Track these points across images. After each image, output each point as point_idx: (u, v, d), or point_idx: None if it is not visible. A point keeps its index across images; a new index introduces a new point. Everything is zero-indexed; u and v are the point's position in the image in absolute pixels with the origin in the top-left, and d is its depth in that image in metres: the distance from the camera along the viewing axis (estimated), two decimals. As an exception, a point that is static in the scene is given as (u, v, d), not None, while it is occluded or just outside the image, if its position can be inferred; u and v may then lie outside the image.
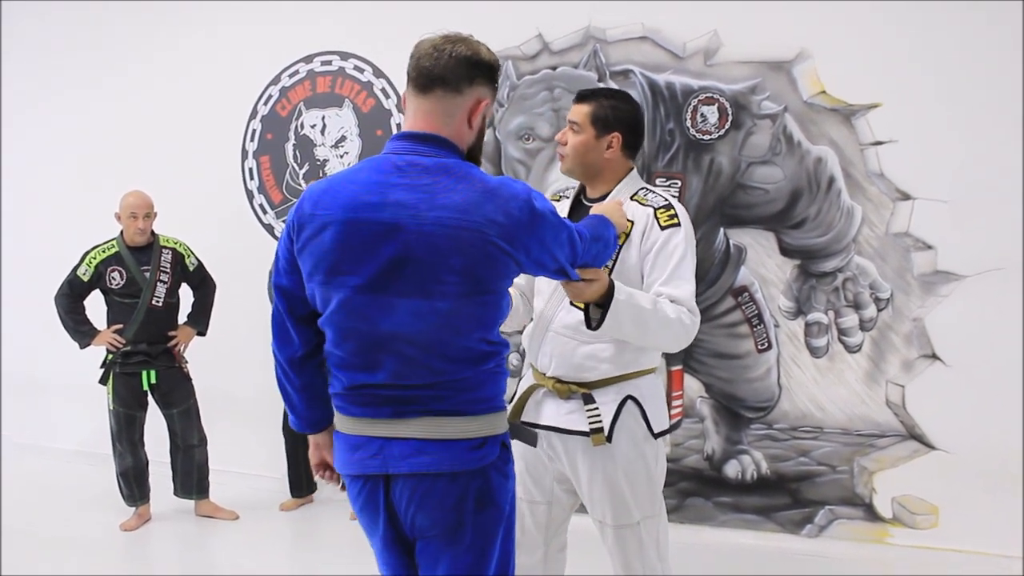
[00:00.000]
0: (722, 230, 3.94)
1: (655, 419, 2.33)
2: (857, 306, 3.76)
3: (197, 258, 4.41)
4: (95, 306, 4.29)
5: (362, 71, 4.74)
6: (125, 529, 4.25)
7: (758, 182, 3.88)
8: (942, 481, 3.65)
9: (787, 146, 3.83)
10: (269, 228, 4.98)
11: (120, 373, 4.20)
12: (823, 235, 3.80)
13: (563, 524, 2.55)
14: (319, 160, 4.86)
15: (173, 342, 4.30)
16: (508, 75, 4.27)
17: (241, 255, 4.81)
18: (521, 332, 2.56)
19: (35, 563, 3.81)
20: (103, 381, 4.24)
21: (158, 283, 4.22)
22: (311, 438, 2.02)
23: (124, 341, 4.19)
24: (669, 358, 3.96)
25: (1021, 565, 3.47)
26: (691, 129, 3.95)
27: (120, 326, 4.20)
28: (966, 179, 3.57)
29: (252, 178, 5.04)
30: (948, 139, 3.59)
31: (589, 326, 2.12)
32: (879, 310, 3.74)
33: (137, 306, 4.19)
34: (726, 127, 3.90)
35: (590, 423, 2.26)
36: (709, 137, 3.93)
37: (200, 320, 4.41)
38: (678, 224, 2.26)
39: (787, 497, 3.90)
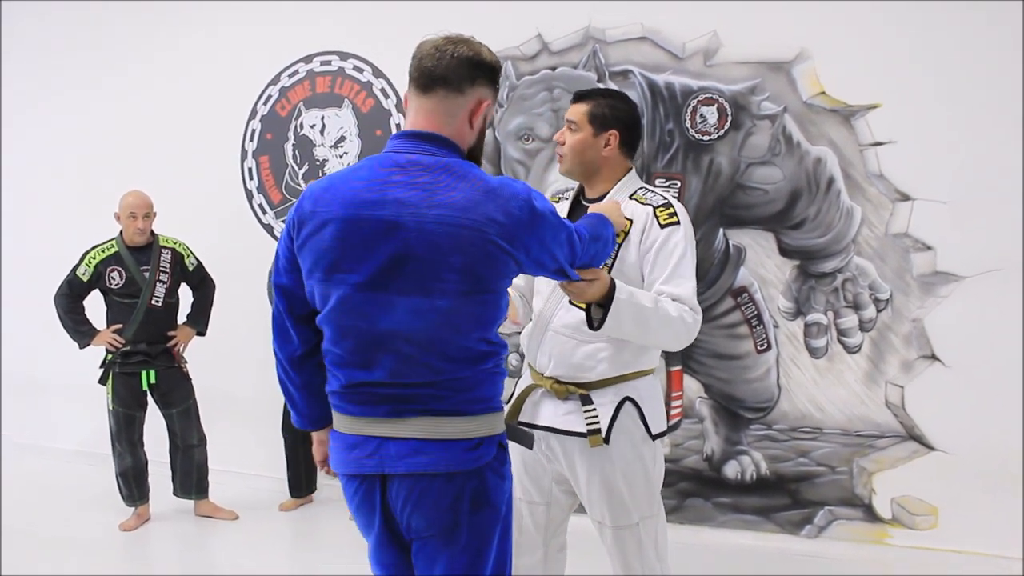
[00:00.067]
0: (721, 231, 3.94)
1: (653, 421, 2.33)
2: (856, 307, 3.76)
3: (197, 258, 4.41)
4: (95, 306, 4.29)
5: (361, 71, 4.74)
6: (124, 529, 4.25)
7: (757, 183, 3.88)
8: (941, 482, 3.65)
9: (786, 147, 3.83)
10: (268, 228, 4.98)
11: (119, 373, 4.21)
12: (822, 236, 3.80)
13: (562, 524, 2.55)
14: (318, 160, 4.86)
15: (173, 342, 4.30)
16: (508, 75, 4.26)
17: (240, 255, 4.81)
18: (520, 333, 2.56)
19: (35, 563, 3.81)
20: (103, 381, 4.24)
21: (157, 283, 4.22)
22: (314, 435, 2.03)
23: (123, 341, 4.19)
24: (668, 359, 3.96)
25: (1021, 566, 3.47)
26: (690, 130, 3.95)
27: (120, 326, 4.20)
28: (965, 180, 3.57)
29: (251, 178, 5.04)
30: (948, 140, 3.59)
31: (591, 326, 2.12)
32: (878, 311, 3.74)
33: (137, 306, 4.19)
34: (725, 128, 3.90)
35: (587, 424, 2.26)
36: (708, 138, 3.93)
37: (200, 320, 4.41)
38: (678, 222, 2.27)
39: (786, 498, 3.90)
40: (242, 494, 4.66)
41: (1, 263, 5.95)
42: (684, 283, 2.22)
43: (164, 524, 4.36)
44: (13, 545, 3.99)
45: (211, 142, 5.13)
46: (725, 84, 3.90)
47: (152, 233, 4.29)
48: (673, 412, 3.99)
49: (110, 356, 4.23)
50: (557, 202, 2.54)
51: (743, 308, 3.93)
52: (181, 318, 4.41)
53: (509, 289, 2.38)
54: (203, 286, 4.44)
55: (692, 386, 4.03)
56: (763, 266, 3.90)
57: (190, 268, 4.37)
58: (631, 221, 2.28)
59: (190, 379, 4.38)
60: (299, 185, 4.89)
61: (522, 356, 2.61)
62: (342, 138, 4.81)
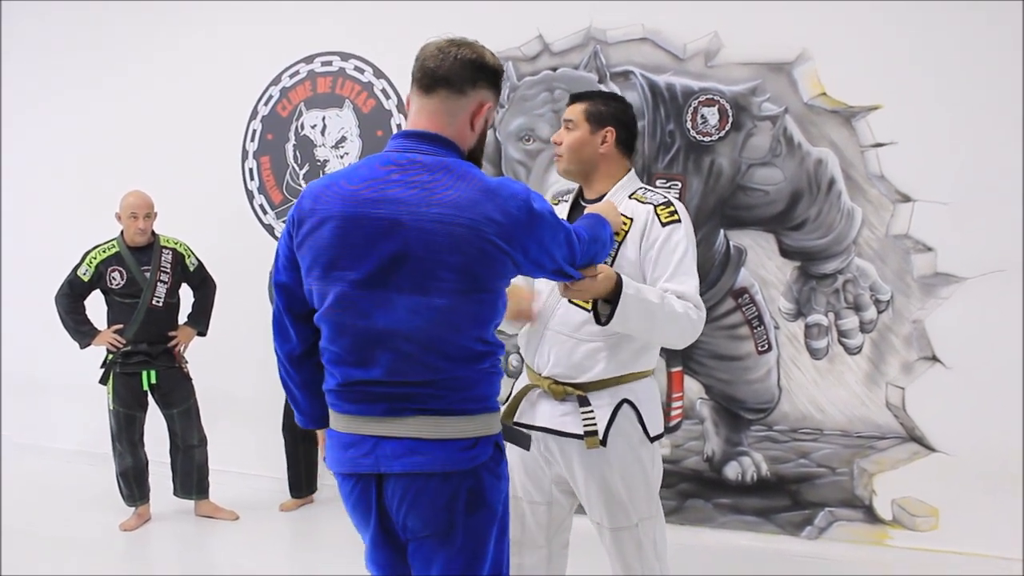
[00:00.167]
0: (722, 232, 3.94)
1: (651, 423, 2.33)
2: (857, 308, 3.76)
3: (197, 258, 4.41)
4: (95, 306, 4.29)
5: (363, 72, 4.73)
6: (125, 529, 4.25)
7: (758, 184, 3.88)
8: (942, 483, 3.65)
9: (787, 148, 3.83)
10: (269, 228, 4.98)
11: (120, 373, 4.20)
12: (823, 237, 3.80)
13: (564, 523, 2.55)
14: (319, 161, 4.86)
15: (173, 342, 4.30)
16: (509, 76, 4.26)
17: (241, 255, 4.81)
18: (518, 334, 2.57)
19: (35, 563, 3.81)
20: (103, 381, 4.24)
21: (158, 283, 4.22)
22: (319, 434, 2.03)
23: (124, 341, 4.19)
24: (669, 359, 3.97)
25: (1021, 567, 3.47)
26: (691, 131, 3.95)
27: (120, 326, 4.20)
28: (966, 181, 3.57)
29: (252, 178, 5.04)
30: (948, 141, 3.59)
31: (598, 321, 2.12)
32: (879, 312, 3.74)
33: (137, 306, 4.19)
34: (726, 129, 3.90)
35: (584, 426, 2.26)
36: (709, 139, 3.93)
37: (200, 320, 4.41)
38: (679, 220, 2.27)
39: (787, 499, 3.90)
40: (242, 494, 4.66)
41: (1, 263, 5.95)
42: (687, 280, 2.23)
43: (164, 524, 4.36)
44: (13, 545, 3.98)
45: (211, 142, 5.13)
46: (726, 85, 3.90)
47: (153, 233, 4.28)
48: (674, 413, 4.01)
49: (111, 356, 4.23)
50: (556, 204, 2.54)
51: (744, 309, 3.93)
52: (182, 318, 4.41)
53: (518, 281, 2.39)
54: (204, 286, 4.44)
55: (693, 387, 4.03)
56: (764, 267, 3.90)
57: (191, 268, 4.37)
58: (631, 220, 2.28)
59: (191, 379, 4.37)
60: (300, 185, 4.89)
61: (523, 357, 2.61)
62: (343, 139, 4.81)
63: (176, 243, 4.35)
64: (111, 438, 4.28)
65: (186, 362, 4.38)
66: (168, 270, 4.26)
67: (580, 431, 2.27)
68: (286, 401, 3.93)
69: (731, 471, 3.98)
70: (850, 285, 3.77)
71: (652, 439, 2.33)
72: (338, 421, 1.83)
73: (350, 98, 4.77)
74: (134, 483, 4.29)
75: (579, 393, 2.29)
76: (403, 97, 4.51)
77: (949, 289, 3.62)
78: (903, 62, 3.64)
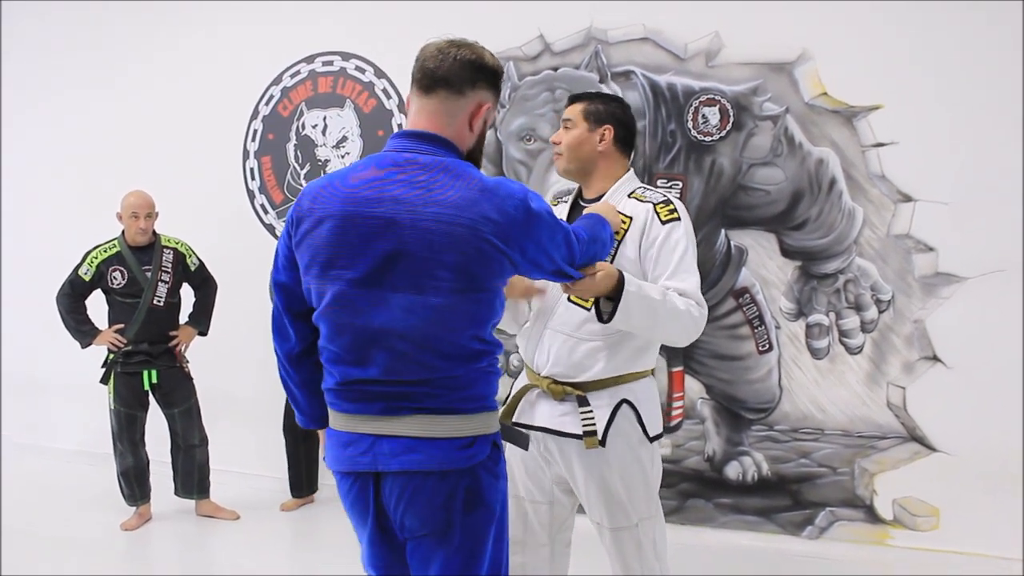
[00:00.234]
0: (723, 231, 3.94)
1: (650, 423, 2.33)
2: (858, 308, 3.77)
3: (199, 258, 4.41)
4: (96, 306, 4.29)
5: (363, 71, 4.73)
6: (126, 529, 4.25)
7: (759, 183, 3.88)
8: (943, 483, 3.66)
9: (788, 147, 3.83)
10: (270, 228, 4.98)
11: (121, 373, 4.20)
12: (824, 237, 3.80)
13: (567, 521, 2.55)
14: (320, 160, 4.86)
15: (174, 342, 4.30)
16: (509, 76, 4.27)
17: (241, 255, 4.81)
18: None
19: (35, 563, 3.80)
20: (104, 381, 4.24)
21: (159, 283, 4.22)
22: (320, 434, 2.03)
23: (125, 341, 4.19)
24: (670, 359, 3.97)
25: (1021, 567, 3.47)
26: (692, 130, 3.95)
27: (121, 326, 4.20)
28: (967, 181, 3.57)
29: (253, 178, 5.04)
30: (949, 141, 3.59)
31: (600, 319, 2.12)
32: (880, 312, 3.74)
33: (138, 306, 4.19)
34: (727, 128, 3.90)
35: (583, 426, 2.26)
36: (710, 138, 3.93)
37: (201, 320, 4.41)
38: (678, 218, 2.28)
39: (788, 499, 3.90)
40: (243, 494, 4.66)
41: (1, 263, 5.95)
42: (688, 278, 2.23)
43: (165, 524, 4.35)
44: (13, 545, 3.98)
45: (211, 142, 5.13)
46: (727, 85, 3.90)
47: (154, 233, 4.29)
48: (675, 413, 4.01)
49: (112, 356, 4.23)
50: (556, 204, 2.55)
51: (745, 309, 3.93)
52: (183, 318, 4.41)
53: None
54: (205, 286, 4.44)
55: (693, 387, 4.03)
56: (765, 267, 3.91)
57: (192, 268, 4.37)
58: (630, 219, 2.29)
59: (192, 379, 4.37)
60: (301, 185, 4.89)
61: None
62: (344, 138, 4.81)
63: (177, 243, 4.35)
64: (112, 438, 4.28)
65: (187, 362, 4.37)
66: (169, 270, 4.26)
67: (579, 431, 2.27)
68: (287, 401, 3.92)
69: (732, 471, 3.98)
70: (851, 285, 3.77)
71: (651, 439, 2.33)
72: (337, 420, 1.83)
73: (351, 98, 4.77)
74: (135, 483, 4.29)
75: (578, 393, 2.29)
76: (404, 97, 4.51)
77: (950, 289, 3.62)
78: (903, 62, 3.64)
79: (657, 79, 4.01)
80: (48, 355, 5.59)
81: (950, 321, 3.63)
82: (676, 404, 4.02)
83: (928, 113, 3.62)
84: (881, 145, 3.69)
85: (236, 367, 4.85)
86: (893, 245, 3.70)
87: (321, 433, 2.02)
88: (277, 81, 4.96)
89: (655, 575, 2.36)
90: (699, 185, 3.95)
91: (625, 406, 2.29)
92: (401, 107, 4.65)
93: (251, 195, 5.05)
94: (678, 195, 3.93)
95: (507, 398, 2.45)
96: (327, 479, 4.57)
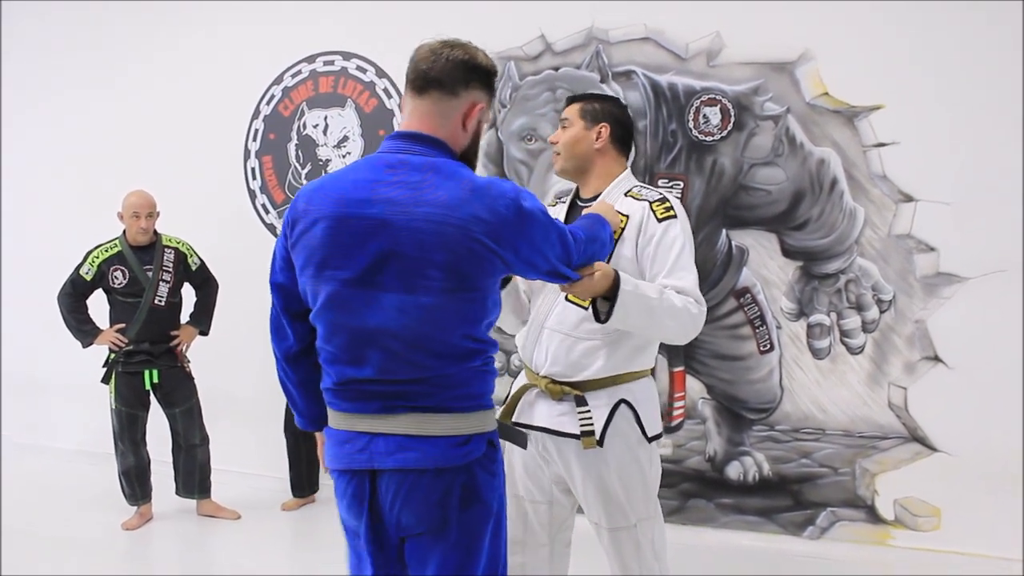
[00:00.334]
0: (724, 231, 3.94)
1: (649, 423, 2.32)
2: (859, 308, 3.77)
3: (200, 258, 4.41)
4: (98, 305, 4.28)
5: (365, 71, 4.73)
6: (127, 528, 4.25)
7: (760, 183, 3.88)
8: (944, 483, 3.65)
9: (789, 147, 3.83)
10: (271, 228, 4.98)
11: (122, 372, 4.20)
12: (825, 237, 3.80)
13: (566, 522, 2.55)
14: (321, 160, 4.85)
15: (175, 342, 4.30)
16: (510, 76, 4.27)
17: (241, 255, 4.80)
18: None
19: (35, 563, 3.80)
20: (105, 380, 4.24)
21: (160, 282, 4.22)
22: (318, 436, 2.05)
23: (126, 340, 4.19)
24: (671, 359, 3.97)
25: (1022, 567, 3.47)
26: (693, 130, 3.95)
27: (122, 325, 4.20)
28: (967, 181, 3.57)
29: (255, 178, 5.04)
30: (950, 141, 3.59)
31: (598, 319, 2.12)
32: (881, 312, 3.74)
33: (140, 305, 4.19)
34: (728, 128, 3.90)
35: (581, 426, 2.26)
36: (711, 138, 3.93)
37: (202, 320, 4.41)
38: (675, 216, 2.27)
39: (789, 499, 3.90)
40: (244, 494, 4.65)
41: (1, 263, 5.94)
42: (686, 275, 2.23)
43: (166, 523, 4.35)
44: (13, 545, 3.97)
45: (211, 142, 5.13)
46: (728, 85, 3.90)
47: (155, 233, 4.29)
48: (676, 413, 4.01)
49: (113, 355, 4.23)
50: (555, 204, 2.55)
51: (746, 309, 3.93)
52: (184, 318, 4.41)
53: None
54: (206, 286, 4.44)
55: (694, 387, 4.03)
56: (766, 267, 3.91)
57: (193, 268, 4.37)
58: (627, 217, 2.29)
59: (193, 379, 4.37)
60: (302, 185, 4.88)
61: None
62: (345, 138, 4.81)
63: (178, 242, 4.35)
64: (113, 437, 4.28)
65: (188, 361, 4.37)
66: (170, 269, 4.26)
67: (577, 431, 2.27)
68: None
69: (733, 471, 3.98)
70: (852, 285, 3.77)
71: (650, 439, 2.33)
72: (335, 418, 1.84)
73: (352, 97, 4.77)
74: (136, 482, 4.29)
75: (576, 393, 2.29)
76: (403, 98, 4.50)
77: (951, 289, 3.62)
78: (904, 62, 3.64)
79: (658, 79, 4.01)
80: (48, 355, 5.59)
81: (951, 321, 3.63)
82: (677, 404, 4.02)
83: (929, 113, 3.62)
84: (882, 145, 3.69)
85: (237, 367, 4.84)
86: (894, 245, 3.70)
87: (319, 434, 2.03)
88: (278, 81, 4.96)
89: (654, 575, 2.36)
90: (700, 185, 3.95)
91: (623, 406, 2.29)
92: (402, 107, 4.64)
93: (252, 195, 5.05)
94: (679, 195, 3.93)
95: (506, 397, 2.46)
96: (328, 479, 4.52)
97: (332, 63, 4.81)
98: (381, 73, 4.69)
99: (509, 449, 2.47)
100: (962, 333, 3.61)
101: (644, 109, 4.00)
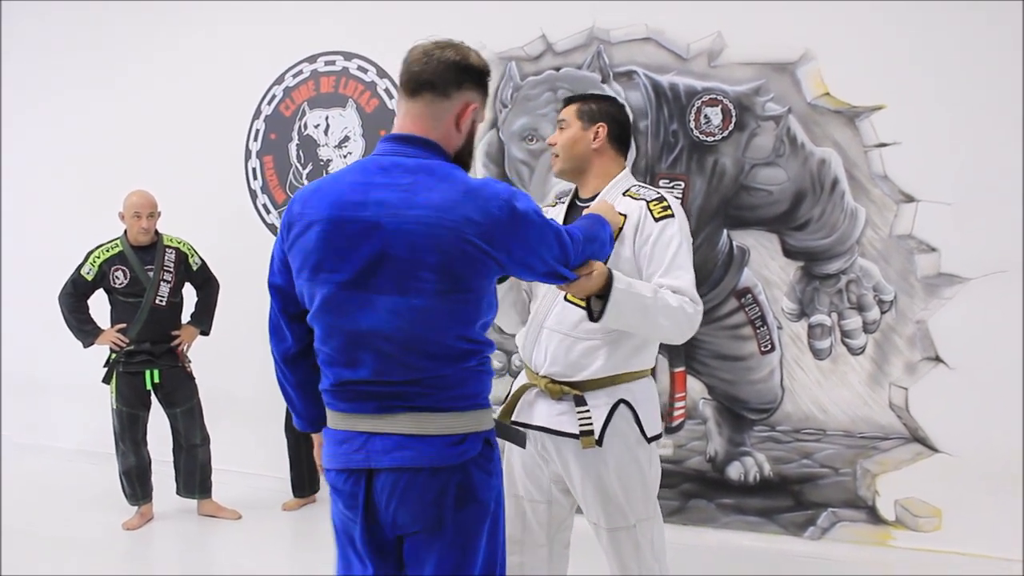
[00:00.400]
0: (725, 232, 3.94)
1: (648, 423, 2.32)
2: (860, 308, 3.77)
3: (201, 258, 4.41)
4: (99, 305, 4.28)
5: (366, 71, 4.73)
6: (128, 528, 4.24)
7: (762, 184, 3.88)
8: (945, 484, 3.65)
9: (791, 148, 3.83)
10: (272, 228, 4.98)
11: (123, 372, 4.20)
12: (826, 237, 3.80)
13: (565, 522, 2.55)
14: (322, 160, 4.85)
15: (176, 341, 4.30)
16: (512, 76, 4.27)
17: (242, 255, 4.79)
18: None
19: (35, 563, 3.80)
20: (106, 380, 4.24)
21: (162, 282, 4.22)
22: (314, 437, 2.06)
23: (127, 340, 4.18)
24: (672, 359, 3.97)
25: (1022, 568, 3.48)
26: (695, 130, 3.95)
27: (124, 325, 4.20)
28: (968, 181, 3.57)
29: (256, 178, 5.04)
30: (951, 141, 3.59)
31: (591, 318, 2.12)
32: (882, 312, 3.74)
33: (141, 305, 4.19)
34: (730, 129, 3.90)
35: (580, 425, 2.26)
36: (713, 138, 3.93)
37: (203, 320, 4.41)
38: (672, 215, 2.28)
39: (790, 499, 3.90)
40: (245, 494, 4.65)
41: (1, 263, 5.94)
42: (682, 274, 2.23)
43: (167, 523, 4.35)
44: (13, 545, 3.97)
45: (211, 142, 5.13)
46: (729, 85, 3.90)
47: (156, 232, 4.29)
48: (676, 413, 4.01)
49: (114, 355, 4.23)
50: (554, 205, 2.56)
51: (747, 309, 3.93)
52: (185, 318, 4.41)
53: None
54: (207, 286, 4.44)
55: (695, 387, 4.03)
56: (767, 267, 3.91)
57: (194, 268, 4.37)
58: (624, 217, 2.29)
59: (194, 379, 4.37)
60: (302, 185, 4.88)
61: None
62: (346, 138, 4.81)
63: (179, 242, 4.35)
64: (114, 437, 4.27)
65: (189, 361, 4.37)
66: (171, 269, 4.26)
67: (576, 430, 2.27)
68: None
69: (734, 471, 3.98)
70: (853, 285, 3.77)
71: (649, 440, 2.33)
72: (333, 418, 1.85)
73: (353, 97, 4.77)
74: (137, 482, 4.29)
75: (575, 393, 2.29)
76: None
77: (952, 289, 3.62)
78: (905, 62, 3.64)
79: (659, 79, 4.01)
80: (48, 355, 5.59)
81: (952, 322, 3.63)
82: (678, 404, 4.02)
83: (929, 113, 3.62)
84: (883, 145, 3.69)
85: (238, 367, 4.84)
86: (895, 246, 3.70)
87: (315, 436, 2.04)
88: (279, 81, 4.96)
89: (654, 575, 2.36)
90: (701, 185, 3.95)
91: (623, 406, 2.29)
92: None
93: (253, 195, 5.04)
94: (680, 195, 3.93)
95: (507, 397, 2.46)
96: (329, 480, 4.55)
97: (333, 63, 4.81)
98: (382, 73, 4.69)
99: (509, 449, 2.47)
100: (963, 334, 3.61)
101: (645, 109, 4.00)
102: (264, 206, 5.01)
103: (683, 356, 3.99)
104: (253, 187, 5.04)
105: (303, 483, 4.59)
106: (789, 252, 3.87)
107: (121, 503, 4.35)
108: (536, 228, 1.78)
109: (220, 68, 5.12)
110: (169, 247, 4.29)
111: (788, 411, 3.90)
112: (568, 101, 2.45)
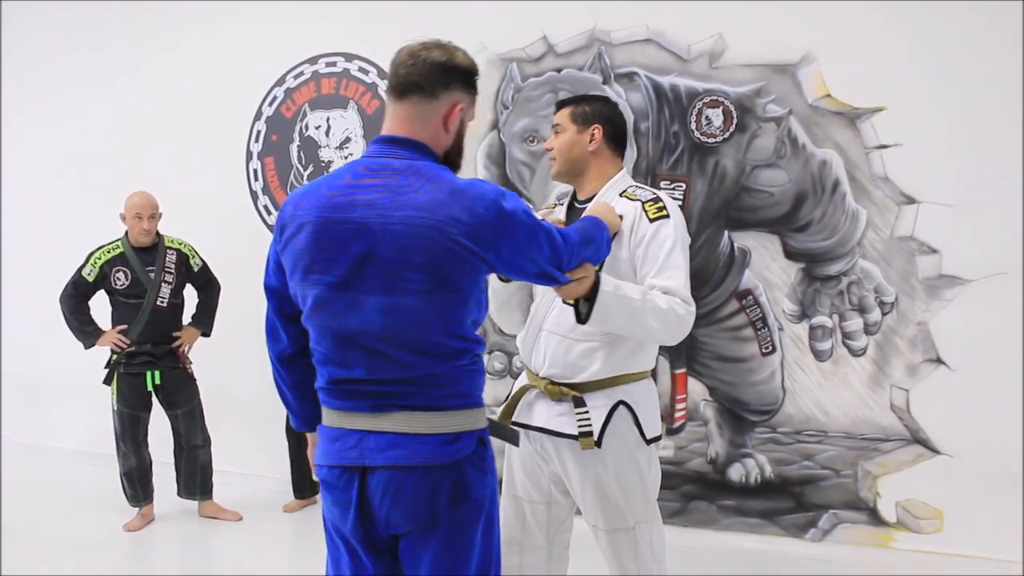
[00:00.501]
0: (726, 233, 3.94)
1: (647, 425, 2.33)
2: (862, 310, 3.77)
3: (202, 259, 4.41)
4: (100, 306, 4.28)
5: (367, 72, 4.73)
6: (129, 529, 4.24)
7: (763, 185, 3.88)
8: (946, 485, 3.66)
9: (792, 149, 3.83)
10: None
11: (124, 373, 4.20)
12: (828, 238, 3.80)
13: (565, 523, 2.55)
14: (323, 162, 4.85)
15: (177, 343, 4.30)
16: (513, 77, 4.26)
17: (242, 256, 4.76)
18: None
19: (35, 563, 3.80)
20: (107, 381, 4.24)
21: (163, 284, 4.22)
22: (308, 437, 2.08)
23: (128, 341, 4.18)
24: (673, 361, 3.97)
25: (1022, 569, 3.48)
26: (696, 132, 3.95)
27: (125, 326, 4.20)
28: (969, 183, 3.57)
29: (257, 179, 5.03)
30: (951, 142, 3.60)
31: (579, 319, 2.12)
32: (884, 314, 3.74)
33: (142, 306, 4.19)
34: (731, 130, 3.90)
35: (579, 426, 2.26)
36: (714, 140, 3.93)
37: (204, 321, 4.41)
38: (667, 215, 2.27)
39: (791, 501, 3.90)
40: (246, 495, 4.65)
41: (1, 263, 5.93)
42: (675, 275, 2.22)
43: (168, 524, 4.35)
44: (13, 545, 3.97)
45: (211, 142, 5.12)
46: (730, 86, 3.90)
47: (157, 234, 4.29)
48: (677, 415, 4.01)
49: (115, 356, 4.23)
50: (554, 207, 2.56)
51: (748, 311, 3.92)
52: (186, 319, 4.40)
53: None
54: (208, 287, 4.44)
55: (696, 388, 4.03)
56: (768, 269, 3.90)
57: (195, 269, 4.37)
58: (620, 217, 2.29)
59: (195, 380, 4.37)
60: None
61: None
62: (347, 139, 4.80)
63: (180, 243, 4.35)
64: (115, 438, 4.27)
65: (190, 363, 4.37)
66: (172, 271, 4.26)
67: (575, 432, 2.27)
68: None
69: (735, 473, 3.98)
70: (854, 287, 3.77)
71: (649, 442, 2.33)
72: (329, 416, 1.86)
73: (354, 99, 4.77)
74: (138, 483, 4.29)
75: (575, 394, 2.29)
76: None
77: (954, 291, 3.62)
78: (907, 63, 3.64)
79: (660, 80, 4.01)
80: (48, 355, 5.58)
81: (954, 323, 3.63)
82: (679, 406, 4.02)
83: (930, 114, 3.62)
84: (884, 147, 3.69)
85: (239, 368, 4.84)
86: (897, 247, 3.70)
87: (309, 436, 2.06)
88: (280, 82, 4.95)
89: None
90: (702, 187, 3.95)
91: (622, 407, 2.29)
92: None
93: (254, 196, 5.04)
94: (681, 197, 3.93)
95: (507, 397, 2.46)
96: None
97: (334, 64, 4.81)
98: (383, 74, 4.69)
99: (509, 450, 2.47)
100: (964, 335, 3.62)
101: (646, 111, 4.00)
102: (265, 207, 5.01)
103: (684, 357, 3.99)
104: (254, 188, 5.03)
105: (304, 485, 4.58)
106: (790, 254, 3.87)
107: (121, 504, 4.35)
108: (525, 228, 1.78)
109: (220, 69, 5.11)
110: (170, 248, 4.29)
111: (789, 413, 3.90)
112: (561, 105, 2.45)
